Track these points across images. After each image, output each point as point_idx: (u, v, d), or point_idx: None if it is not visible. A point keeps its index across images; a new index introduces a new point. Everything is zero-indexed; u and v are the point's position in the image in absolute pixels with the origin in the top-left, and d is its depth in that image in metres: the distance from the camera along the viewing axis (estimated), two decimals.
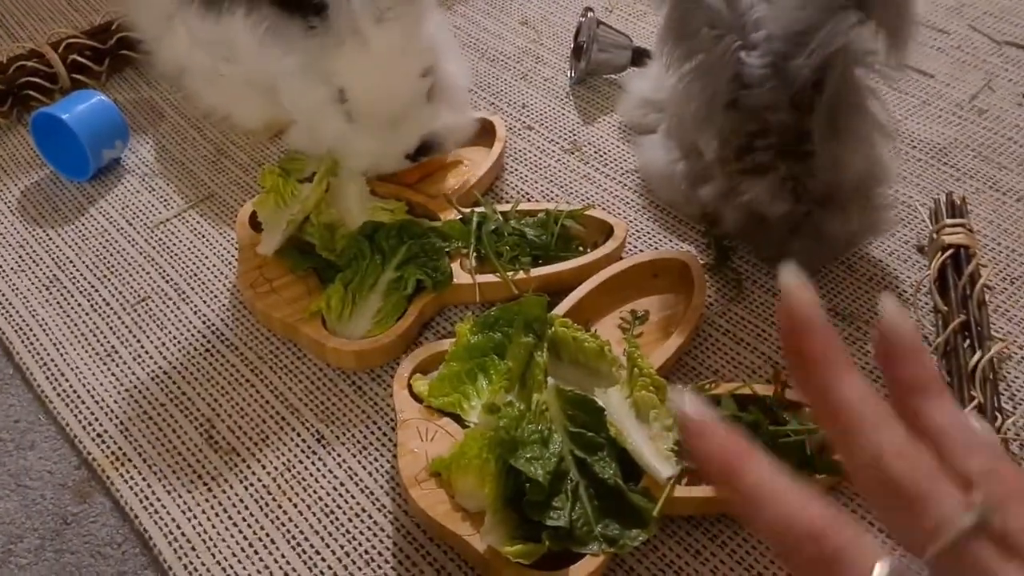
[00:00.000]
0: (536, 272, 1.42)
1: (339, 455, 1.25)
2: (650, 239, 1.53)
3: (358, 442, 1.27)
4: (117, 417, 1.31)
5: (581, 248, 1.48)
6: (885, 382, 0.57)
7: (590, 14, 1.80)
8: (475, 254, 1.44)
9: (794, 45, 1.23)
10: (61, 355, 1.39)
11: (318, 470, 1.24)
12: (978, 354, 1.26)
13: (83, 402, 1.33)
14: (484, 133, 1.64)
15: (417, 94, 1.51)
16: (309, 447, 1.26)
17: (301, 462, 1.25)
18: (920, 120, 1.73)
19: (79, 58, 1.81)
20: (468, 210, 1.51)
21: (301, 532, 1.18)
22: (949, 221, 1.43)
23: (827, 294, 1.43)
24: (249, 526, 1.19)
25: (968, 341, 1.29)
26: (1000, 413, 1.21)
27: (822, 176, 1.30)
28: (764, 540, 0.60)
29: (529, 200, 1.60)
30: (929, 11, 1.98)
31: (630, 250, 1.51)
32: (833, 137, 1.28)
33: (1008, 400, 1.29)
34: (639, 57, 1.80)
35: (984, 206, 1.56)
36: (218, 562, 1.15)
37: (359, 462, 1.25)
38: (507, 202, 1.58)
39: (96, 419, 1.30)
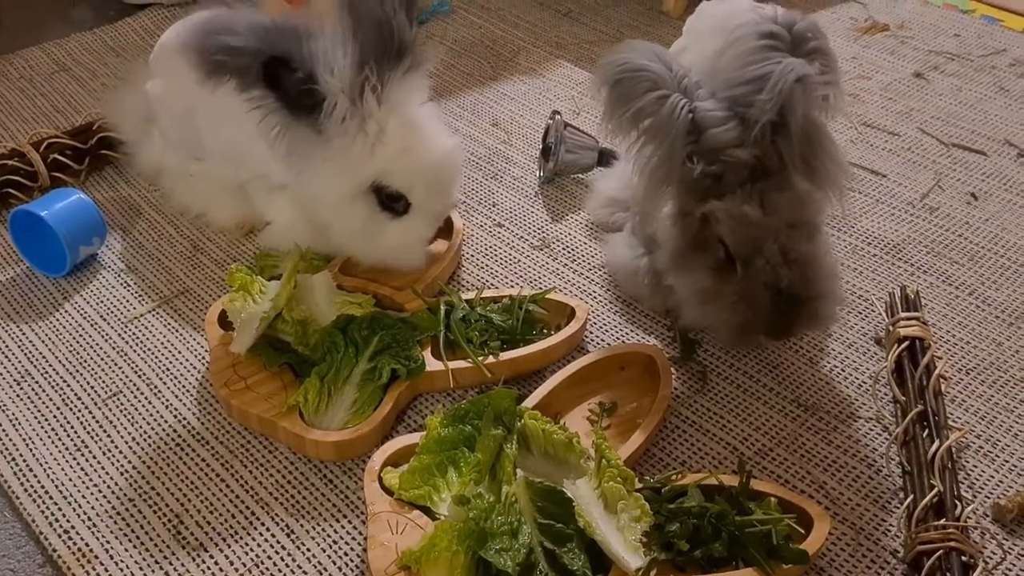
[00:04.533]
0: (506, 356, 1.45)
1: (309, 550, 1.25)
2: (617, 332, 1.57)
3: (328, 536, 1.27)
4: (85, 513, 1.30)
5: (545, 331, 1.52)
6: None
7: (558, 116, 1.88)
8: (445, 341, 1.48)
9: (751, 91, 1.30)
10: (30, 450, 1.38)
11: (287, 566, 1.23)
12: (936, 443, 1.29)
13: (51, 498, 1.32)
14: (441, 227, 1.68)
15: (455, 167, 1.57)
16: (279, 542, 1.26)
17: (270, 557, 1.24)
18: (874, 218, 1.80)
19: (60, 157, 1.84)
20: (434, 299, 1.55)
21: None
22: (904, 314, 1.48)
23: (790, 386, 1.47)
24: None
25: (927, 430, 1.32)
26: (960, 501, 1.24)
27: (789, 197, 1.34)
28: None
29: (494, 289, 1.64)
30: (881, 115, 2.08)
31: (597, 344, 1.54)
32: (807, 175, 1.34)
33: (968, 489, 1.31)
34: (605, 158, 1.87)
35: (938, 300, 1.62)
36: None
37: (329, 556, 1.24)
38: (469, 290, 1.62)
39: (63, 515, 1.29)
